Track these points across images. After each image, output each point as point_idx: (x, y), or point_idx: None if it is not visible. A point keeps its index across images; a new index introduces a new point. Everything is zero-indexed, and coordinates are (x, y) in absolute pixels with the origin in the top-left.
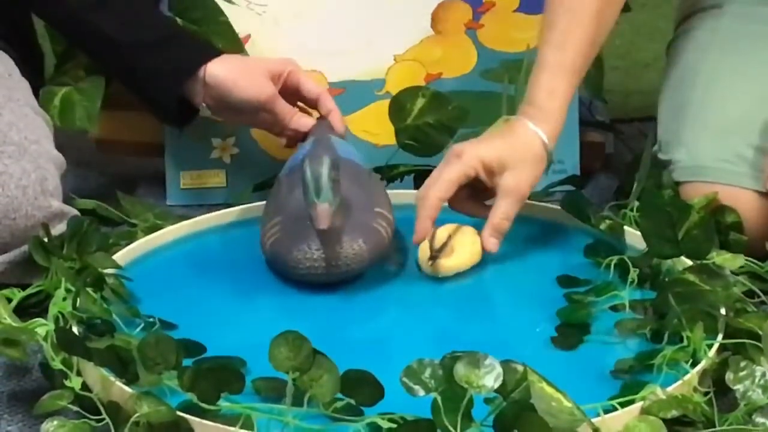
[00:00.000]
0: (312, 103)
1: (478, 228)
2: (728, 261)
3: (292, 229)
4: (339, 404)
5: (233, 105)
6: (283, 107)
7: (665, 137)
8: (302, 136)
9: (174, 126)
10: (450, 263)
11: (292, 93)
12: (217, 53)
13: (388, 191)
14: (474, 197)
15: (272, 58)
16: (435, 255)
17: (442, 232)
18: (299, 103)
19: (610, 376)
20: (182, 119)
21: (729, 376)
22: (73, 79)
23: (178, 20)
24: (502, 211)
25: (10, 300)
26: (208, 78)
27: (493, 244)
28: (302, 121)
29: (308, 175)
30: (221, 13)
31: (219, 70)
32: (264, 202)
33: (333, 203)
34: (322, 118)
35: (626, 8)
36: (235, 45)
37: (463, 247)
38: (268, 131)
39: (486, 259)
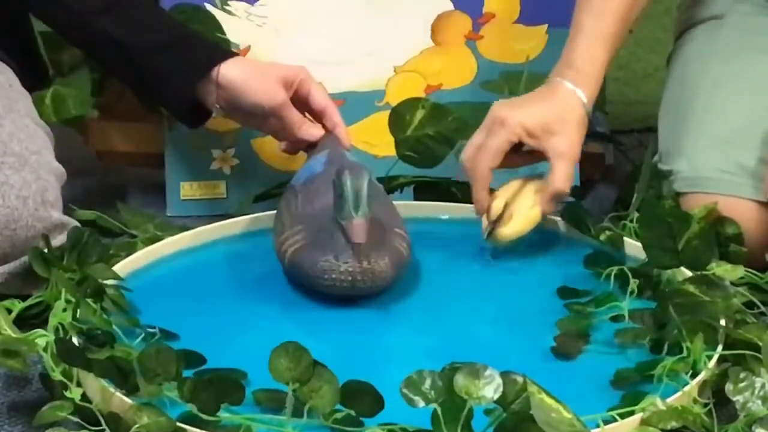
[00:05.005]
0: (318, 115)
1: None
2: (728, 272)
3: (317, 239)
4: (339, 415)
5: (244, 108)
6: (292, 115)
7: (665, 148)
8: (306, 146)
9: (188, 126)
10: (508, 231)
11: (302, 102)
12: (230, 54)
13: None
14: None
15: (286, 64)
16: (492, 226)
17: (499, 202)
18: (307, 114)
19: (610, 386)
20: (196, 120)
21: (729, 387)
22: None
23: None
24: (561, 174)
25: (10, 311)
26: (221, 79)
27: (552, 208)
28: (311, 131)
29: (348, 189)
30: (219, 28)
31: (232, 71)
32: (268, 213)
33: (367, 218)
34: (329, 132)
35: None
36: None
37: (521, 213)
38: (274, 137)
39: (485, 269)
